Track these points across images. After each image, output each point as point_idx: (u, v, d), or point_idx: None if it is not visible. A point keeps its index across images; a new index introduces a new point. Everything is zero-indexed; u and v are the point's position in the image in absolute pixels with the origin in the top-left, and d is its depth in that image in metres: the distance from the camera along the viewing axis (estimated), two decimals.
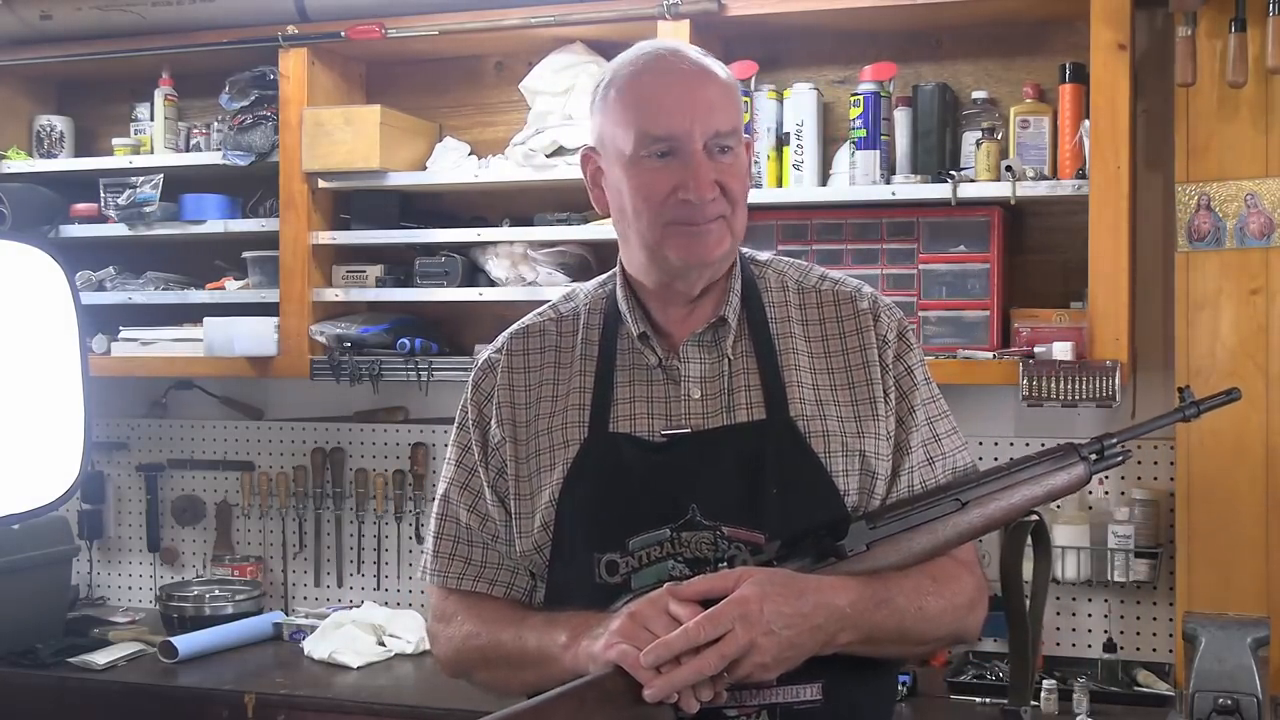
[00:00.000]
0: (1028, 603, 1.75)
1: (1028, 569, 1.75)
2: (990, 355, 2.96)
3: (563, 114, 3.25)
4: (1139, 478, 3.07)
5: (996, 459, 3.01)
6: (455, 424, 1.81)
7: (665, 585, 1.55)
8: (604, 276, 1.83)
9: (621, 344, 1.74)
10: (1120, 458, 1.75)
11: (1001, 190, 2.92)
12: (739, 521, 1.62)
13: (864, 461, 1.67)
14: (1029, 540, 1.72)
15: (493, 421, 1.76)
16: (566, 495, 1.68)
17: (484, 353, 1.82)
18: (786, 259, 1.83)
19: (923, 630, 1.65)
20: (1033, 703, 2.74)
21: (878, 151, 3.03)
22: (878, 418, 1.69)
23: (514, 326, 1.83)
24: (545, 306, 1.85)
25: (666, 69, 1.66)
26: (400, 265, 3.44)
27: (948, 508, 1.63)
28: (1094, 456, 1.72)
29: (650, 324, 1.73)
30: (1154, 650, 3.05)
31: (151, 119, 3.67)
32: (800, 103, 3.11)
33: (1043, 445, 3.20)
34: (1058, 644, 3.11)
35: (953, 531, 1.63)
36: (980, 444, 3.09)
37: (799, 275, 1.79)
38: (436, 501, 1.82)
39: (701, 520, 1.62)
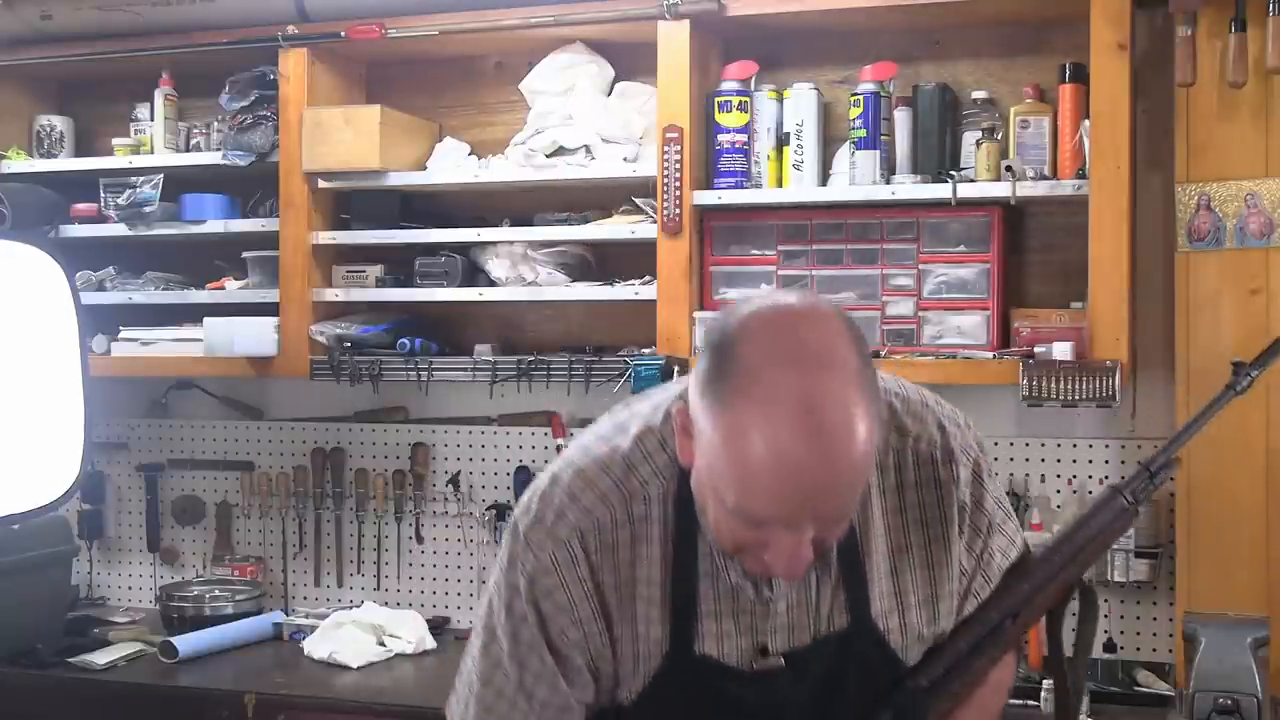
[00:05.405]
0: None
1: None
2: (990, 355, 2.96)
3: (563, 114, 3.25)
4: None
5: (996, 459, 3.02)
6: (501, 611, 1.57)
7: None
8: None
9: (701, 547, 1.54)
10: (1167, 473, 1.65)
11: (1001, 190, 2.92)
12: None
13: (936, 637, 1.63)
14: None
15: (566, 624, 1.56)
16: (647, 705, 1.58)
17: (535, 536, 1.55)
18: None
19: None
20: None
21: (878, 151, 3.03)
22: (952, 578, 1.62)
23: (574, 518, 1.54)
24: (607, 486, 1.54)
25: (799, 461, 1.33)
26: (400, 265, 3.44)
27: (997, 631, 1.59)
28: (1134, 499, 1.61)
29: None
30: (1154, 650, 3.05)
31: (151, 119, 3.67)
32: (800, 103, 3.11)
33: (1042, 445, 3.17)
34: None
35: (1010, 641, 1.62)
36: None
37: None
38: (473, 700, 1.60)
39: None
